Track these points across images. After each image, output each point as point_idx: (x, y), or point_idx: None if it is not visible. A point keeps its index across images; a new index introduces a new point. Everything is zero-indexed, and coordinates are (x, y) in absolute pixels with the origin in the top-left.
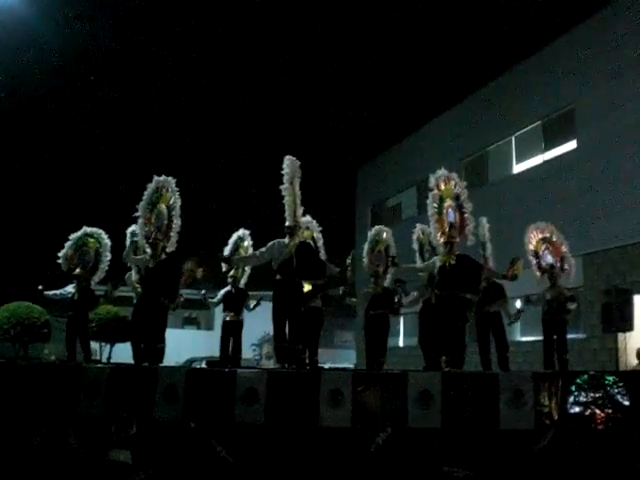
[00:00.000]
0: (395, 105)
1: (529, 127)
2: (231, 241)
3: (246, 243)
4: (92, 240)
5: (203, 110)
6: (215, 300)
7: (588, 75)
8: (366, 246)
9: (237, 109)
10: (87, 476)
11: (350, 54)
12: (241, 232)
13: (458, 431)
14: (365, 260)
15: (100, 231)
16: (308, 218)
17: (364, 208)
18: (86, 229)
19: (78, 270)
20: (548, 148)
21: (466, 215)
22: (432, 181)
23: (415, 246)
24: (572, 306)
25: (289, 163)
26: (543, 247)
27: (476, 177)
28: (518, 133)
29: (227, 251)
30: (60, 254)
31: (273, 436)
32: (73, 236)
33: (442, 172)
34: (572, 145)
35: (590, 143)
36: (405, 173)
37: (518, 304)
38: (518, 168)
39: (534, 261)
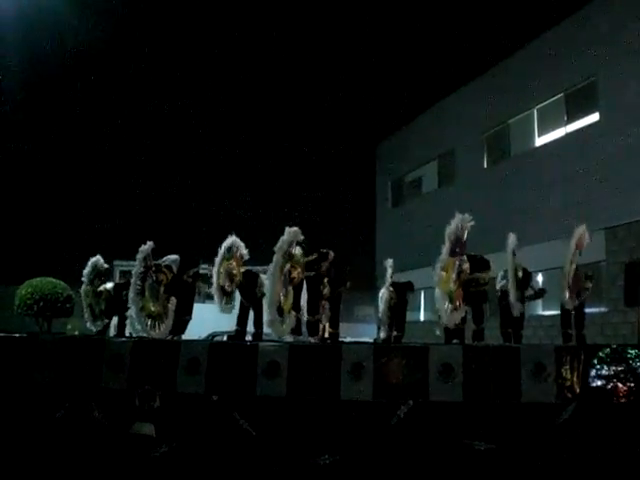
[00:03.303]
0: (415, 79)
1: (551, 99)
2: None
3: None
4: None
5: (225, 89)
6: None
7: (611, 47)
8: None
9: (258, 84)
10: (111, 449)
11: (369, 29)
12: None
13: (479, 404)
14: None
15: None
16: None
17: (384, 183)
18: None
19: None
20: (570, 121)
21: (464, 239)
22: (434, 277)
23: None
24: (588, 284)
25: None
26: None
27: (498, 150)
28: (540, 106)
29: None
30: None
31: (295, 409)
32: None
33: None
34: (594, 117)
35: (612, 115)
36: (425, 147)
37: (539, 278)
38: (540, 141)
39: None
